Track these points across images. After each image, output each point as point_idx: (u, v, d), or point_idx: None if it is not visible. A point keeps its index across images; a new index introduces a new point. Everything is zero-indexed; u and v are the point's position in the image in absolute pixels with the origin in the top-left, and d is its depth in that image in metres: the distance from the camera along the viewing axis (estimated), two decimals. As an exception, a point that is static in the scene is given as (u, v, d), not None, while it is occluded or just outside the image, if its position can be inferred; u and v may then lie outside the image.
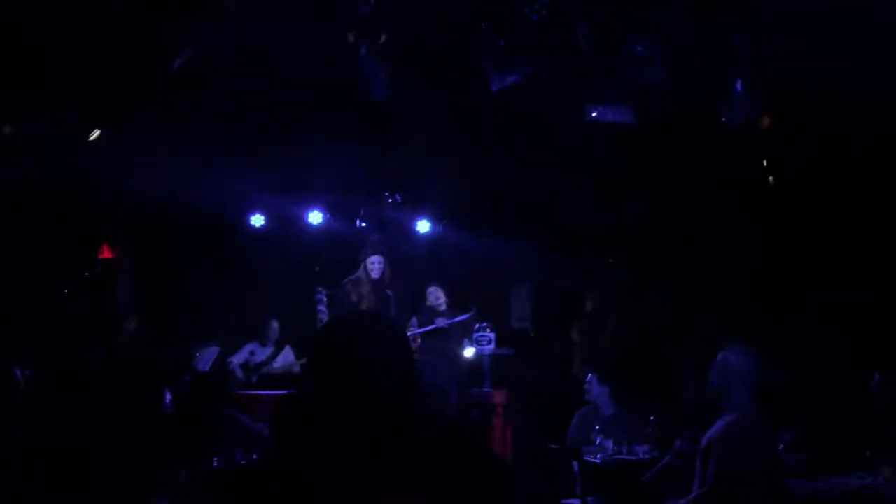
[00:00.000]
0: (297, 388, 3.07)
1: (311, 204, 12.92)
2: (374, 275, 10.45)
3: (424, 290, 11.26)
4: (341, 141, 10.72)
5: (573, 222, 12.05)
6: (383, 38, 8.41)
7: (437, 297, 11.08)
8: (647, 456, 7.81)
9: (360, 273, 10.51)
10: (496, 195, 12.16)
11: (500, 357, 11.08)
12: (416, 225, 13.06)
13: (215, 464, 6.66)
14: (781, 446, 6.64)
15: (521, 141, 10.99)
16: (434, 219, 13.06)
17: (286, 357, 11.92)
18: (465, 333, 10.96)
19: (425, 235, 13.14)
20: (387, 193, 12.68)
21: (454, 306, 11.13)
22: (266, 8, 8.11)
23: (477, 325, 10.81)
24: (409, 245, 12.88)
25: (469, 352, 10.93)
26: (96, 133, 9.73)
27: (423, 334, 10.70)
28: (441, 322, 10.86)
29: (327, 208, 12.93)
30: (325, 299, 11.07)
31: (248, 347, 11.97)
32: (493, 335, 10.79)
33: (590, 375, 8.85)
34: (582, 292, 12.82)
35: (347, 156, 11.27)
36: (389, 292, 10.65)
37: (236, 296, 13.01)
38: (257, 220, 13.06)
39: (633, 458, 7.87)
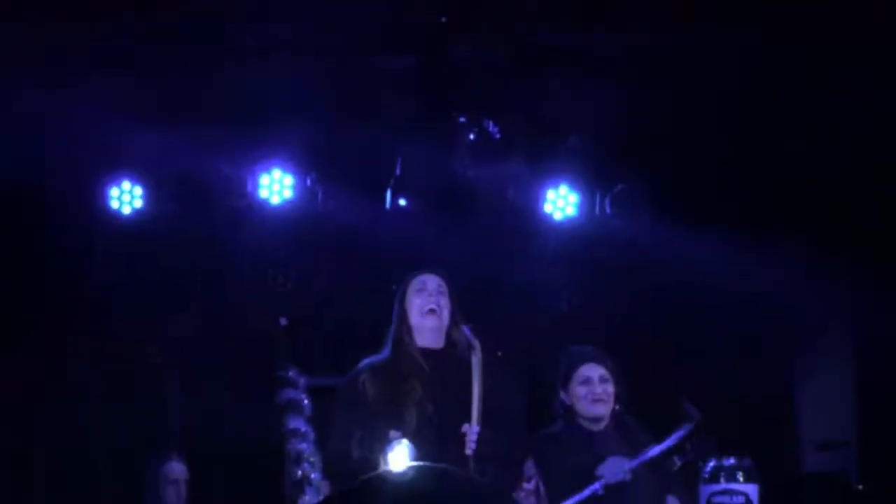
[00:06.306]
0: None
1: (265, 155, 6.99)
2: (427, 338, 4.60)
3: (562, 370, 5.08)
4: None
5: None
6: None
7: (592, 388, 4.98)
8: None
9: (388, 352, 4.66)
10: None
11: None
12: (540, 201, 7.21)
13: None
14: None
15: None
16: (585, 187, 7.25)
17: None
18: (676, 483, 4.92)
19: (564, 228, 7.21)
20: (463, 118, 6.75)
21: (641, 408, 5.12)
22: None
23: (713, 463, 4.67)
24: (522, 259, 7.26)
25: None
26: None
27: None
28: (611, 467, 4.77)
29: (303, 162, 6.96)
30: (308, 407, 5.09)
31: None
32: (753, 491, 4.60)
33: None
34: None
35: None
36: (476, 381, 4.47)
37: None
38: (125, 197, 7.08)
39: None
